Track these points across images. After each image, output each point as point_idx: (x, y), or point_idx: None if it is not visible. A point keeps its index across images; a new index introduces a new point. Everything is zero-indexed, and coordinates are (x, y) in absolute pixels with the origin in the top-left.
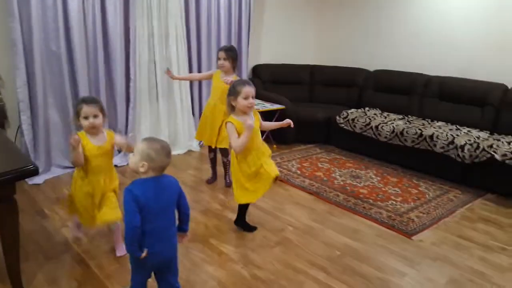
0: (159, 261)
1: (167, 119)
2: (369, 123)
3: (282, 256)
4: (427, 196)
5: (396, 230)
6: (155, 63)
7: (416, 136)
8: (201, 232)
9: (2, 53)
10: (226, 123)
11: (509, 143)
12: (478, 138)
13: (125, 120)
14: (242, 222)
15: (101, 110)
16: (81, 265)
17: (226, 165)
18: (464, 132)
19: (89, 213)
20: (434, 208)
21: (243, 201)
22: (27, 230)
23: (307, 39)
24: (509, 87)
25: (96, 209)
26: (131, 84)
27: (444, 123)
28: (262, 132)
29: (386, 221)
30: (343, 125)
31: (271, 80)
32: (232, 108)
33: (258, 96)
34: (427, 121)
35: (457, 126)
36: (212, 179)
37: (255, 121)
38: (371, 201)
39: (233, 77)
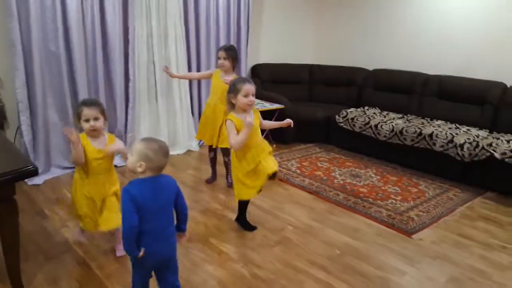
0: (158, 260)
1: (166, 119)
2: (369, 122)
3: (282, 256)
4: (426, 194)
5: (396, 229)
6: (154, 63)
7: (415, 135)
8: (201, 231)
9: (1, 54)
10: (225, 120)
11: (508, 141)
12: (478, 136)
13: (125, 120)
14: (243, 221)
15: (102, 112)
16: (81, 265)
17: (227, 165)
18: (464, 131)
19: (90, 217)
20: (434, 206)
21: (244, 197)
22: (27, 230)
23: (306, 39)
24: (508, 86)
25: (97, 213)
26: (130, 84)
27: (443, 121)
28: (262, 131)
29: (386, 220)
30: (342, 124)
31: (270, 79)
32: (232, 106)
33: (257, 95)
34: (426, 120)
35: (457, 124)
36: (212, 179)
37: (254, 119)
38: (371, 200)
39: (232, 77)
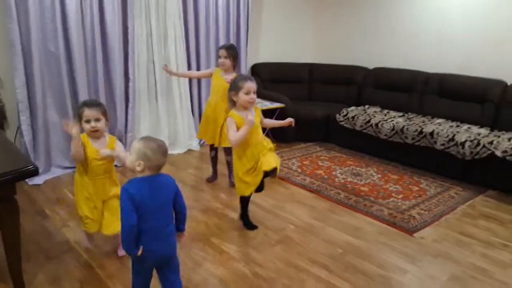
0: (157, 259)
1: (166, 119)
2: (369, 121)
3: (284, 254)
4: (428, 193)
5: (397, 227)
6: (153, 63)
7: (416, 133)
8: (202, 231)
9: (1, 54)
10: (226, 117)
11: (509, 139)
12: (479, 134)
13: (125, 120)
14: (245, 219)
15: (104, 113)
16: (82, 265)
17: (229, 164)
18: (464, 129)
19: (91, 218)
20: (435, 205)
21: (244, 193)
22: (28, 230)
23: (306, 38)
24: (509, 84)
25: (98, 214)
26: (130, 84)
27: (444, 120)
28: (263, 130)
29: (387, 219)
30: (343, 123)
31: (270, 78)
32: (233, 104)
33: (257, 95)
34: (427, 118)
35: (457, 123)
36: (213, 178)
37: (255, 116)
38: (372, 198)
39: (233, 76)
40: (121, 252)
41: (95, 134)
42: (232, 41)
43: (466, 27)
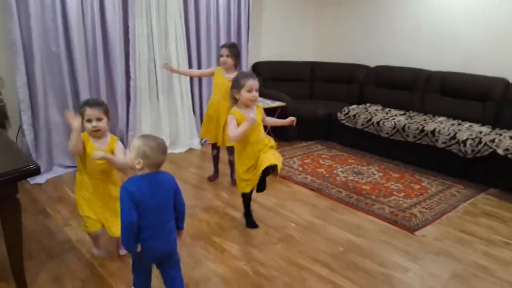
0: (157, 256)
1: (167, 118)
2: (371, 119)
3: (285, 253)
4: (429, 191)
5: (398, 225)
6: (154, 62)
7: (417, 132)
8: (203, 229)
9: (2, 54)
10: (228, 115)
11: (511, 137)
12: (480, 133)
13: (126, 119)
14: (247, 217)
15: (106, 113)
16: (84, 263)
17: (232, 163)
18: (466, 127)
19: (92, 218)
20: (437, 203)
21: (245, 189)
22: (30, 229)
23: (307, 36)
24: (511, 82)
25: (99, 213)
26: (131, 83)
27: (445, 118)
28: (264, 128)
29: (389, 217)
30: (344, 121)
31: (271, 77)
32: (235, 101)
33: (258, 93)
34: (428, 116)
35: (459, 121)
36: (214, 177)
37: (257, 114)
38: (373, 197)
39: (235, 75)
40: (123, 251)
41: (97, 133)
42: (233, 39)
43: (468, 25)
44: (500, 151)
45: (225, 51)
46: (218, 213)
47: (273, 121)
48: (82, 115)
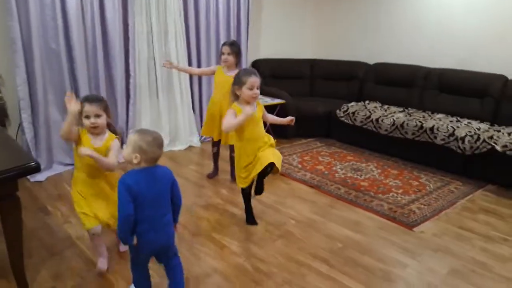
0: (154, 249)
1: (167, 115)
2: (370, 116)
3: (284, 249)
4: (428, 188)
5: (397, 222)
6: (154, 59)
7: (416, 129)
8: (203, 226)
9: (2, 52)
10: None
11: (509, 134)
12: (479, 129)
13: (126, 117)
14: (247, 213)
15: (105, 109)
16: (84, 260)
17: (233, 160)
18: (465, 124)
19: (89, 214)
20: (435, 199)
21: (243, 185)
22: (30, 227)
23: (306, 34)
24: (509, 78)
25: (95, 211)
26: (131, 80)
27: (444, 115)
28: (264, 125)
29: (387, 213)
30: (343, 118)
31: (271, 74)
32: (236, 97)
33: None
34: (427, 113)
35: (458, 118)
36: (214, 174)
37: (257, 111)
38: (372, 193)
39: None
40: (123, 247)
41: (95, 130)
42: (233, 37)
43: (468, 21)
44: (498, 148)
45: (226, 49)
46: (218, 210)
47: (273, 118)
48: (80, 111)
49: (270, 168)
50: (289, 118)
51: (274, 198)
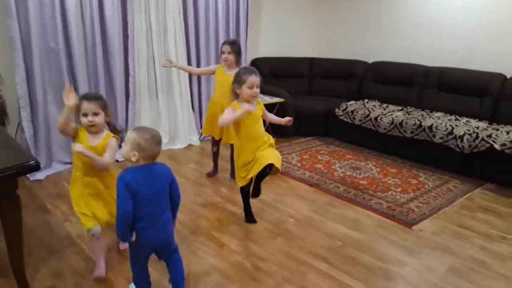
0: (154, 246)
1: (167, 114)
2: (368, 115)
3: (284, 248)
4: (426, 186)
5: (396, 220)
6: (153, 58)
7: (415, 127)
8: (203, 224)
9: (1, 51)
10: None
11: (508, 132)
12: (477, 128)
13: (125, 116)
14: (246, 211)
15: (103, 108)
16: (84, 259)
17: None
18: (463, 122)
19: (86, 214)
20: (434, 198)
21: (242, 183)
22: (30, 225)
23: (306, 32)
24: (508, 77)
25: (94, 211)
26: (131, 79)
27: (443, 113)
28: (263, 123)
29: (386, 212)
30: (342, 117)
31: (270, 73)
32: (236, 96)
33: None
34: (426, 112)
35: (456, 116)
36: (213, 173)
37: (257, 110)
38: (371, 192)
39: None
40: (123, 245)
41: (92, 129)
42: (232, 35)
43: (467, 20)
44: (497, 146)
45: (226, 48)
46: (218, 208)
47: (272, 117)
48: (78, 108)
49: (269, 169)
50: (287, 118)
51: (273, 197)
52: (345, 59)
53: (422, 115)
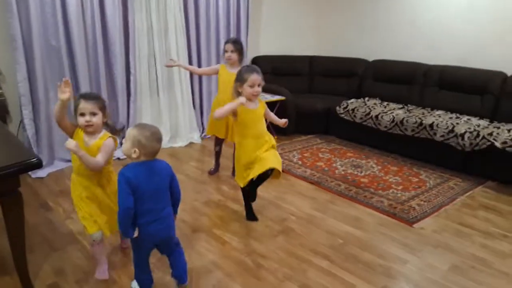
0: (155, 241)
1: (168, 112)
2: (369, 113)
3: (285, 245)
4: (427, 184)
5: (397, 218)
6: (155, 56)
7: (416, 125)
8: (204, 222)
9: (2, 49)
10: None
11: (508, 130)
12: (478, 126)
13: (126, 114)
14: (247, 209)
15: (101, 108)
16: (86, 256)
17: None
18: (464, 121)
19: (89, 219)
20: (435, 196)
21: (242, 183)
22: (32, 222)
23: (306, 30)
24: (509, 75)
25: (95, 215)
26: (132, 77)
27: (444, 111)
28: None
29: (387, 210)
30: (343, 115)
31: (270, 71)
32: (238, 94)
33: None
34: (427, 110)
35: (457, 114)
36: (215, 170)
37: (259, 108)
38: (372, 190)
39: None
40: (125, 243)
41: (89, 129)
42: (233, 33)
43: (467, 19)
44: (498, 144)
45: (229, 47)
46: (219, 206)
47: (272, 117)
48: (76, 107)
49: (270, 172)
50: (283, 120)
51: (274, 194)
52: (346, 57)
53: (423, 113)
